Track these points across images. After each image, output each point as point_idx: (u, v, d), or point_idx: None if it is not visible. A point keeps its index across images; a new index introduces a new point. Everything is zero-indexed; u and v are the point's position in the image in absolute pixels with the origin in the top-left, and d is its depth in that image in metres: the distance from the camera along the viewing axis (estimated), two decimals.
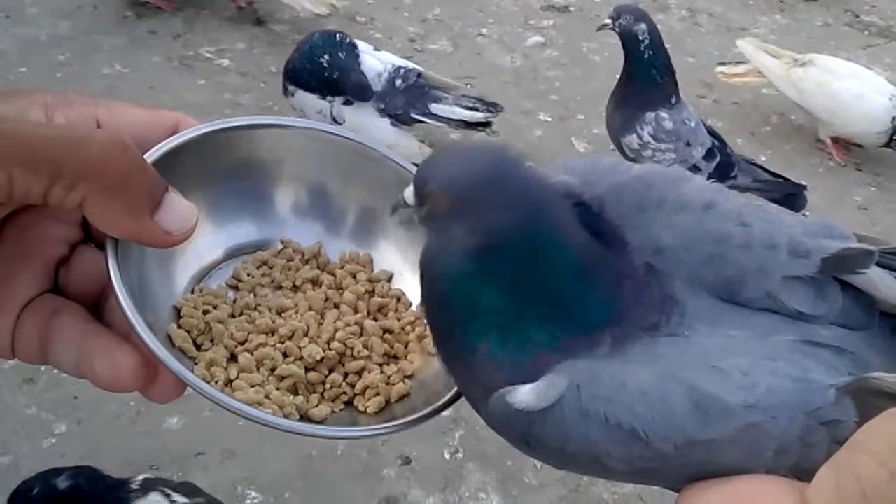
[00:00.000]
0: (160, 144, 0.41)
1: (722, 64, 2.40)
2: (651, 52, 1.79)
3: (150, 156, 0.40)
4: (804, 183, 1.91)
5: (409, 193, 0.40)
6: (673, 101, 1.83)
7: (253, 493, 1.36)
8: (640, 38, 1.78)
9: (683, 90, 2.45)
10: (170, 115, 0.43)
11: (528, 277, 0.37)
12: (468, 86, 2.30)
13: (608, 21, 1.82)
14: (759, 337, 0.37)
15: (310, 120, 0.46)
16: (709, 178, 1.72)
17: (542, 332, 0.37)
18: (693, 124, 1.83)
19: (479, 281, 0.37)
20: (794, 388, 0.35)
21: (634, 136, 1.80)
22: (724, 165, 1.82)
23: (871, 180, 2.20)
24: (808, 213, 2.07)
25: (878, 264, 0.40)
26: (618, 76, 2.48)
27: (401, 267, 0.47)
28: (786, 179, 1.93)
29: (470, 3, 2.72)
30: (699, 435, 0.34)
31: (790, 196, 1.88)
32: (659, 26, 2.73)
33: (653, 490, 1.41)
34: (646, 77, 1.80)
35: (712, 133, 1.87)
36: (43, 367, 1.46)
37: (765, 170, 1.91)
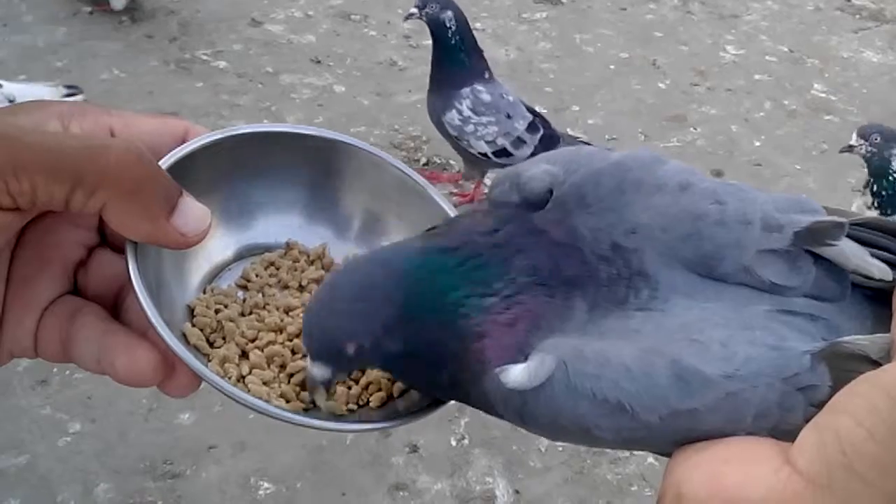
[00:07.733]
0: (172, 152, 0.43)
1: None
2: (458, 37, 1.85)
3: (164, 162, 0.42)
4: (798, 167, 1.92)
5: (319, 372, 0.42)
6: (486, 76, 1.89)
7: (265, 484, 1.39)
8: (448, 24, 1.84)
9: (676, 78, 2.48)
10: (179, 123, 0.45)
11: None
12: None
13: (414, 10, 1.87)
14: (736, 308, 0.39)
15: (314, 127, 0.49)
16: (534, 150, 1.68)
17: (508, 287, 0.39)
18: (511, 99, 1.89)
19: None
20: (770, 357, 0.36)
21: (454, 111, 1.85)
22: (547, 138, 1.89)
23: (863, 163, 2.22)
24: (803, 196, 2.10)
25: (849, 236, 0.40)
26: (611, 67, 2.51)
27: None
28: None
29: None
30: (681, 405, 0.36)
31: None
32: (651, 16, 2.78)
33: (655, 470, 1.44)
34: (455, 60, 1.86)
35: (532, 111, 1.93)
36: (56, 368, 1.49)
37: (585, 143, 1.98)
